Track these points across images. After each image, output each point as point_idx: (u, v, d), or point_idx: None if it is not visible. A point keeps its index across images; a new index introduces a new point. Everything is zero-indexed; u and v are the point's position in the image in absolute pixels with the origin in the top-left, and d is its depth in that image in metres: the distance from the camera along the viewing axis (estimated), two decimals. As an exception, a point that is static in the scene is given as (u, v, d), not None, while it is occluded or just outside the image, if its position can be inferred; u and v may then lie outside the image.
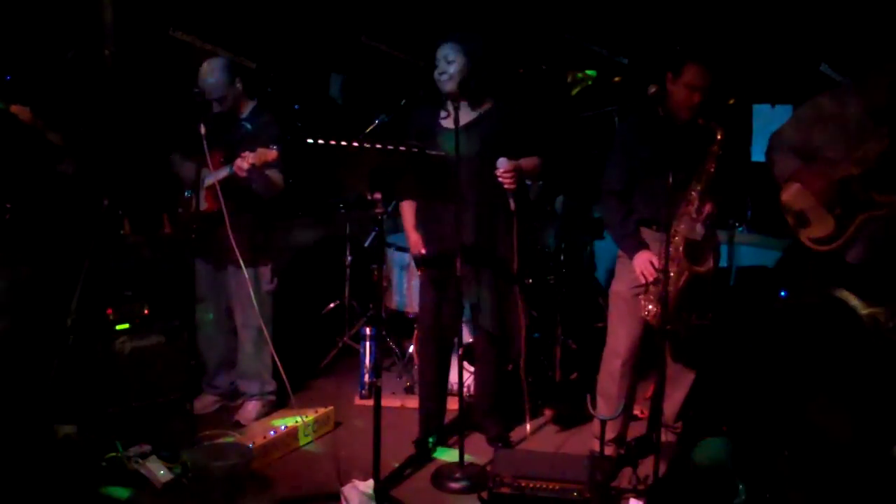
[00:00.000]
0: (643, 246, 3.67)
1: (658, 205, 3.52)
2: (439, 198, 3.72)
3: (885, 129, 3.75)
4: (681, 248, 3.57)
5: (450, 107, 3.80)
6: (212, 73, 4.14)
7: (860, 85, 3.83)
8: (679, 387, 3.91)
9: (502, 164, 3.72)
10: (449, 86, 3.80)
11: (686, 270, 3.55)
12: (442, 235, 3.87)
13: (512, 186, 3.74)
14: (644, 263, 3.62)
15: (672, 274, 3.54)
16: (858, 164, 3.75)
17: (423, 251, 3.98)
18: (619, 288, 3.82)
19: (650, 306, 3.60)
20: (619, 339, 3.79)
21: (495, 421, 4.17)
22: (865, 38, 3.98)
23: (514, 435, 4.23)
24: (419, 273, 4.06)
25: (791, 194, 3.93)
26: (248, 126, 4.21)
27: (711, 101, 3.63)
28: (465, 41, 3.81)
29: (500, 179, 3.73)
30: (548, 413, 4.51)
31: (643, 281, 3.61)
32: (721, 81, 3.66)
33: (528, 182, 4.06)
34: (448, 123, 3.81)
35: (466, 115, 3.84)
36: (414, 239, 4.02)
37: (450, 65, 3.79)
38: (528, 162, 3.87)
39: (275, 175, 4.12)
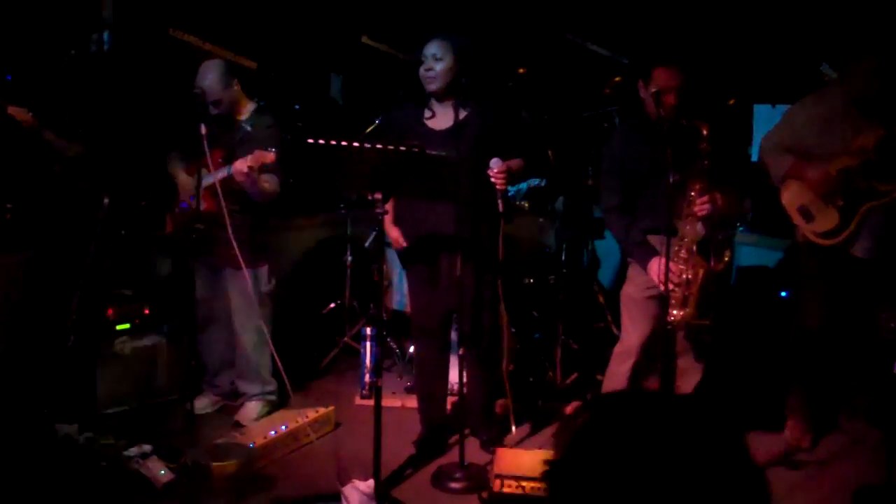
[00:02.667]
0: (654, 252, 3.66)
1: (661, 211, 3.52)
2: (426, 197, 3.69)
3: (875, 118, 3.78)
4: (694, 248, 3.56)
5: (435, 106, 3.77)
6: (207, 76, 4.13)
7: (844, 80, 3.86)
8: (683, 387, 3.90)
9: (496, 164, 3.68)
10: (435, 84, 3.76)
11: (700, 269, 3.54)
12: (422, 233, 3.86)
13: (503, 186, 3.72)
14: (661, 269, 3.60)
15: (690, 276, 3.54)
16: (857, 155, 3.76)
17: (404, 244, 3.94)
18: (631, 290, 3.82)
19: (674, 311, 3.57)
20: (632, 340, 3.79)
21: (487, 425, 4.15)
22: (863, 36, 4.00)
23: (506, 440, 4.18)
24: (406, 270, 4.04)
25: (791, 191, 3.94)
26: (249, 127, 4.20)
27: (693, 100, 3.63)
28: (454, 39, 3.76)
29: (493, 180, 3.69)
30: (548, 413, 4.51)
31: (663, 288, 3.58)
32: (703, 78, 3.66)
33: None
34: (434, 124, 3.79)
35: (451, 116, 3.78)
36: (395, 235, 3.95)
37: (437, 62, 3.74)
38: (514, 163, 3.84)
39: (271, 181, 4.10)
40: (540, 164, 5.20)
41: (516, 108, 4.20)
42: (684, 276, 3.56)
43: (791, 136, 3.93)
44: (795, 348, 4.09)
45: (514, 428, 4.18)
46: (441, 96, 3.79)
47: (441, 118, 3.81)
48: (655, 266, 3.63)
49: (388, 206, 3.94)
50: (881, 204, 3.79)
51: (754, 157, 5.19)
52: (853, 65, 3.80)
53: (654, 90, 3.57)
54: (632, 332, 3.79)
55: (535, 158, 4.05)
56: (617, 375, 3.83)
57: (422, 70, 3.78)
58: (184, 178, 4.32)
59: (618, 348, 3.86)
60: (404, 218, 3.93)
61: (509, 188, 5.19)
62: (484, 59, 3.94)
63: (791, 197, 3.94)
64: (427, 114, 3.86)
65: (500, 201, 3.75)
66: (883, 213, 3.82)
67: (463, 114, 3.81)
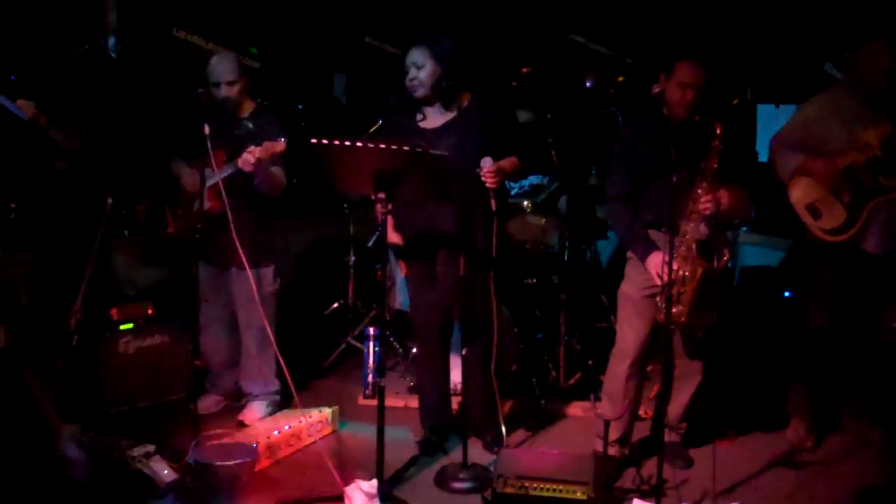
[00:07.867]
0: (654, 247, 3.65)
1: (665, 206, 3.51)
2: (429, 197, 3.72)
3: (882, 114, 3.78)
4: (693, 247, 3.55)
5: (426, 109, 3.81)
6: (221, 63, 4.17)
7: (852, 74, 3.86)
8: (685, 387, 3.89)
9: (486, 163, 3.70)
10: (420, 91, 3.81)
11: (700, 268, 3.54)
12: (419, 232, 3.90)
13: (494, 185, 3.73)
14: (659, 265, 3.58)
15: (687, 273, 3.53)
16: (862, 151, 3.77)
17: (401, 243, 4.00)
18: (628, 289, 3.80)
19: (672, 308, 3.56)
20: (628, 340, 3.78)
21: (490, 425, 4.13)
22: (871, 22, 3.99)
23: (509, 440, 4.16)
24: (404, 271, 4.09)
25: (799, 189, 3.94)
26: (250, 125, 4.22)
27: (709, 99, 3.62)
28: (432, 44, 3.80)
29: (482, 178, 3.71)
30: (551, 413, 4.51)
31: (660, 282, 3.58)
32: (717, 78, 3.66)
33: (510, 182, 4.00)
34: (426, 125, 3.86)
35: (442, 116, 3.85)
36: (395, 240, 4.02)
37: (419, 70, 3.79)
38: (507, 162, 3.83)
39: (278, 172, 4.13)
40: (541, 162, 5.20)
41: (509, 106, 4.19)
42: (681, 273, 3.55)
43: (800, 133, 3.93)
44: (802, 348, 4.08)
45: (503, 433, 4.11)
46: (428, 101, 3.84)
47: (431, 119, 3.89)
48: (654, 260, 3.62)
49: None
50: (888, 200, 3.79)
51: (759, 158, 5.20)
52: (863, 52, 3.80)
53: (673, 85, 3.58)
54: (629, 332, 3.78)
55: (533, 156, 4.05)
56: (615, 375, 3.82)
57: (406, 80, 3.83)
58: (190, 178, 4.31)
59: (615, 348, 3.85)
60: (401, 218, 3.96)
61: (512, 185, 5.20)
62: (469, 57, 3.96)
63: (799, 195, 3.94)
64: (419, 116, 3.92)
65: (492, 200, 3.76)
66: (891, 208, 3.81)
67: (451, 114, 3.86)
